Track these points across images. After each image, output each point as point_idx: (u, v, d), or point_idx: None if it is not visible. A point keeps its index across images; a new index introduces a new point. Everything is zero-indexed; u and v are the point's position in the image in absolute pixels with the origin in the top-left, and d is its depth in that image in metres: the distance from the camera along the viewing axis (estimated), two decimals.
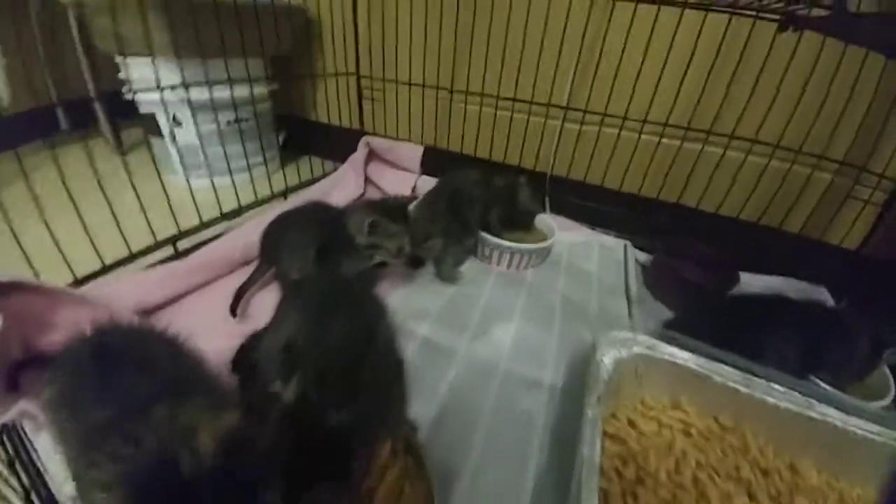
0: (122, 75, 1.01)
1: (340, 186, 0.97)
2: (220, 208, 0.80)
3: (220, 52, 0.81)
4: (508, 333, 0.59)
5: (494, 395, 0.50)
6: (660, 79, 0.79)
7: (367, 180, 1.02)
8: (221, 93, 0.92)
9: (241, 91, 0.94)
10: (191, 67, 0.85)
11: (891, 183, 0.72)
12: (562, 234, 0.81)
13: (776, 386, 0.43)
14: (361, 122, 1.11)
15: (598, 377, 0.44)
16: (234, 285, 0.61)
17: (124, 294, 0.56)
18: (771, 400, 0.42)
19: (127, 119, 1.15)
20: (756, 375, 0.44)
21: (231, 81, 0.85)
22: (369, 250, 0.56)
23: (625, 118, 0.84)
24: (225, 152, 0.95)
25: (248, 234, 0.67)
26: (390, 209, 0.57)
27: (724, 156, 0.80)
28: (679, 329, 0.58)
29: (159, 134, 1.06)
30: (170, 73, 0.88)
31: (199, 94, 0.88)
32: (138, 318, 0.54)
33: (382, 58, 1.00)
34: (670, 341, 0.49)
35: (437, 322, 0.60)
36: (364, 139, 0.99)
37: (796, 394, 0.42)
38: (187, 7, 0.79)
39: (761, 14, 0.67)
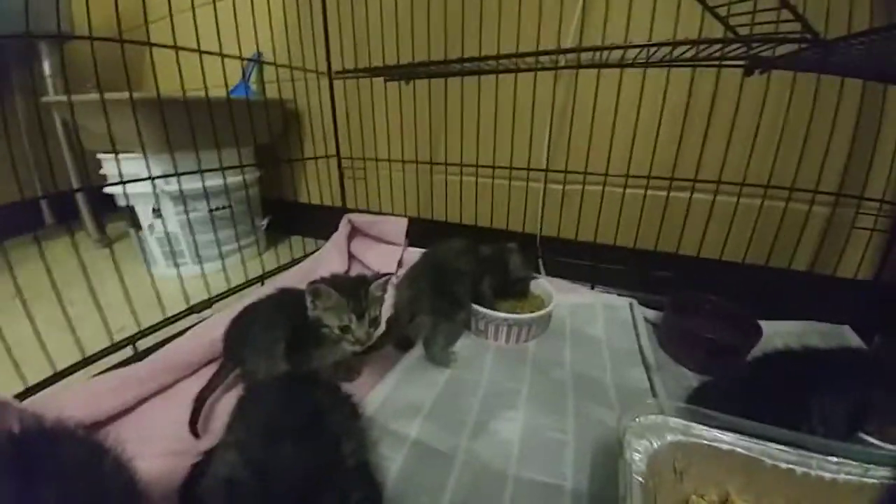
0: (102, 171, 1.02)
1: (324, 265, 0.92)
2: (188, 300, 0.74)
3: (202, 145, 0.82)
4: (516, 427, 0.50)
5: None
6: (634, 134, 0.79)
7: (352, 257, 0.98)
8: (200, 183, 0.91)
9: (224, 179, 0.94)
10: (167, 161, 0.85)
11: (893, 206, 0.69)
12: (561, 296, 0.75)
13: (831, 458, 0.37)
14: (344, 201, 1.11)
15: (631, 483, 0.35)
16: (196, 389, 0.53)
17: (74, 404, 0.49)
18: (827, 475, 0.37)
19: (112, 211, 1.14)
20: (807, 448, 0.38)
21: (203, 172, 0.84)
22: (321, 328, 0.49)
23: (606, 174, 0.82)
24: (207, 240, 0.93)
25: (214, 329, 0.60)
26: (343, 281, 0.51)
27: (715, 201, 0.78)
28: (707, 400, 0.51)
29: (139, 226, 1.04)
30: (149, 168, 0.87)
31: (180, 184, 0.86)
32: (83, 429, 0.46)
33: (361, 139, 1.02)
34: (707, 421, 0.41)
35: (430, 419, 0.51)
36: (346, 217, 0.97)
37: (851, 462, 0.37)
38: (174, 105, 0.81)
39: (724, 63, 0.69)
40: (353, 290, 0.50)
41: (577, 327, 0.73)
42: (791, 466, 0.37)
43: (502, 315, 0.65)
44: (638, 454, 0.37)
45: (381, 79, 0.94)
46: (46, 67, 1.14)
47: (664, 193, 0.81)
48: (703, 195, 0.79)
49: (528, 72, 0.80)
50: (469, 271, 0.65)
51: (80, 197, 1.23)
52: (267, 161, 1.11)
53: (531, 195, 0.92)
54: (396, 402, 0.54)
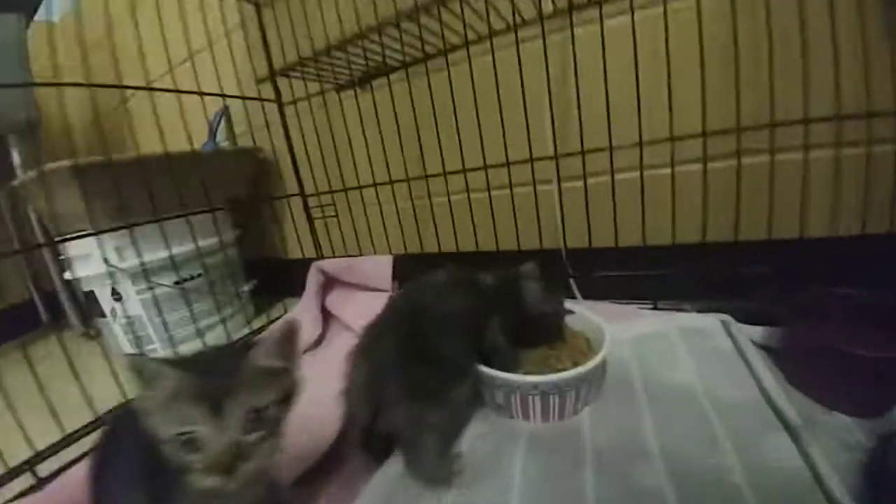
0: (62, 256, 0.89)
1: None
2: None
3: (162, 208, 0.68)
4: None
5: None
6: (670, 89, 0.56)
7: (329, 315, 0.76)
8: (164, 253, 0.76)
9: (189, 247, 0.79)
10: (121, 235, 0.70)
11: None
12: (616, 327, 0.50)
13: None
14: (317, 247, 0.91)
15: None
16: None
17: None
18: None
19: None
20: None
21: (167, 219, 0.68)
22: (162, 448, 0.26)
23: (640, 143, 0.59)
24: (179, 318, 0.79)
25: None
26: (200, 354, 0.29)
27: (809, 152, 0.53)
28: None
29: (102, 313, 0.89)
30: (107, 242, 0.77)
31: (143, 256, 0.71)
32: None
33: (325, 172, 0.85)
34: None
35: None
36: (314, 265, 0.77)
37: None
38: (121, 170, 0.68)
39: None
40: (210, 362, 0.27)
41: (651, 373, 0.47)
42: None
43: (528, 380, 0.40)
44: None
45: (337, 95, 0.77)
46: (15, 157, 1.08)
47: (732, 162, 0.57)
48: (789, 155, 0.55)
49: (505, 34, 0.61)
50: (465, 314, 0.42)
51: (61, 291, 1.16)
52: (234, 210, 0.94)
53: (544, 201, 0.70)
54: None
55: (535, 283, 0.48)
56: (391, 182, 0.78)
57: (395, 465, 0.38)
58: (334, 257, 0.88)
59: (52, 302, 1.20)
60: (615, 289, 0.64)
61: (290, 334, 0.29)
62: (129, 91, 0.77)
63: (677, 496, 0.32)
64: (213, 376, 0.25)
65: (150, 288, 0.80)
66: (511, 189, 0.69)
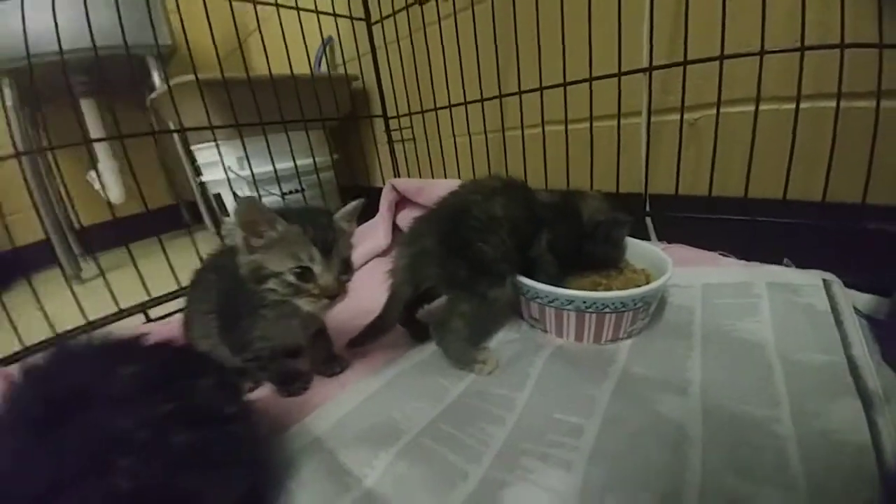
0: (197, 162, 1.07)
1: (368, 239, 0.79)
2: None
3: (269, 127, 0.79)
4: None
5: None
6: None
7: (398, 230, 0.82)
8: (271, 167, 0.87)
9: (299, 161, 0.89)
10: (240, 147, 0.82)
11: None
12: (686, 269, 0.46)
13: None
14: (396, 170, 0.95)
15: None
16: None
17: None
18: None
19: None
20: None
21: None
22: (260, 285, 0.33)
23: (762, 52, 0.48)
24: None
25: None
26: (291, 211, 0.35)
27: None
28: None
29: (226, 213, 1.09)
30: (230, 153, 0.89)
31: (256, 168, 0.84)
32: None
33: (406, 98, 0.85)
34: None
35: (406, 457, 0.30)
36: (389, 182, 0.82)
37: None
38: (238, 85, 0.77)
39: None
40: (312, 217, 0.34)
41: (717, 322, 0.42)
42: None
43: (562, 292, 0.39)
44: None
45: (420, 10, 0.75)
46: (155, 77, 1.24)
47: (869, 103, 0.44)
48: None
49: None
50: (511, 221, 0.42)
51: (199, 198, 1.38)
52: (333, 137, 1.02)
53: (628, 135, 0.62)
54: (369, 416, 0.35)
55: (596, 199, 0.46)
56: (465, 103, 0.75)
57: (430, 348, 0.43)
58: None
59: (194, 209, 1.46)
60: (700, 235, 0.56)
61: (356, 208, 0.38)
62: (252, 26, 0.82)
63: (703, 435, 0.30)
64: (317, 227, 0.34)
65: (261, 196, 0.92)
66: (591, 116, 0.61)
